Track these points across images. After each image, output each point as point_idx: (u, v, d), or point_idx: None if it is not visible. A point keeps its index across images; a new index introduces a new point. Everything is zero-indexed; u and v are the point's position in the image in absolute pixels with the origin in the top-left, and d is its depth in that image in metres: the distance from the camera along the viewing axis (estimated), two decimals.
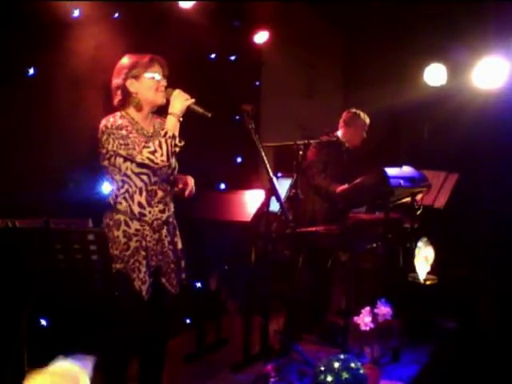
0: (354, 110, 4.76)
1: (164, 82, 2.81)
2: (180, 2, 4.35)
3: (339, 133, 4.72)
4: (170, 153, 2.66)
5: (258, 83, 5.91)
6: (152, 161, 2.65)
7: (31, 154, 3.36)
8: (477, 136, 6.06)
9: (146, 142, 2.67)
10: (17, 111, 3.32)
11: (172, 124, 2.70)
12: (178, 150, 2.69)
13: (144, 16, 4.06)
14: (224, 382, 3.78)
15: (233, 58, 5.28)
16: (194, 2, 4.39)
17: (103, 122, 2.72)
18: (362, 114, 4.74)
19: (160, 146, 2.64)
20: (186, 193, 2.94)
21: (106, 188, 2.92)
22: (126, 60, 2.80)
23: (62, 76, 3.53)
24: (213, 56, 5.01)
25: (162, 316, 2.90)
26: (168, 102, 2.79)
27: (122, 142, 2.66)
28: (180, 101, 2.73)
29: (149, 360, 2.93)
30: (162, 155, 2.64)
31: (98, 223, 2.75)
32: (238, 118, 4.49)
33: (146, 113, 2.83)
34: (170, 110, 2.73)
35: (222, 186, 5.06)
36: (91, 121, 2.81)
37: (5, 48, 3.24)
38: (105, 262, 2.38)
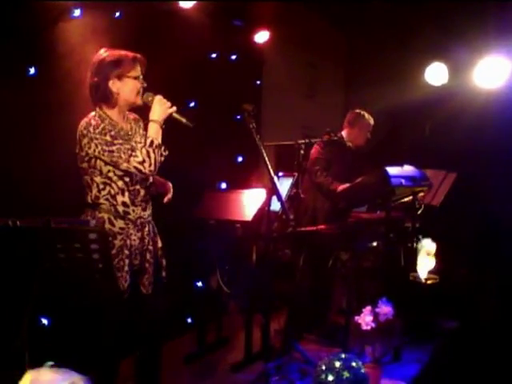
0: (358, 111, 4.76)
1: (145, 84, 2.75)
2: (180, 2, 4.35)
3: (343, 133, 4.73)
4: (157, 163, 2.63)
5: (258, 82, 5.91)
6: (140, 171, 2.62)
7: (32, 153, 3.36)
8: (478, 135, 6.05)
9: (133, 150, 2.61)
10: (17, 111, 3.32)
11: (155, 132, 2.66)
12: (163, 159, 2.66)
13: (145, 16, 4.06)
14: (225, 381, 3.78)
15: (234, 57, 5.28)
16: (194, 2, 4.39)
17: (83, 124, 2.64)
18: (367, 115, 4.75)
19: (148, 155, 2.60)
20: (165, 199, 2.91)
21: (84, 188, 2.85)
22: (107, 56, 2.69)
23: (61, 76, 3.53)
24: (214, 55, 5.01)
25: (142, 316, 2.86)
26: (146, 105, 2.73)
27: (106, 148, 2.60)
28: (162, 108, 2.68)
29: (142, 360, 2.92)
30: (150, 165, 2.61)
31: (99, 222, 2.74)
32: (239, 117, 4.49)
33: (124, 112, 2.78)
34: (152, 116, 2.68)
35: (223, 185, 5.06)
36: None
37: (6, 48, 3.24)
38: (106, 261, 2.37)
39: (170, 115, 2.70)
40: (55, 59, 3.48)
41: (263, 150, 3.16)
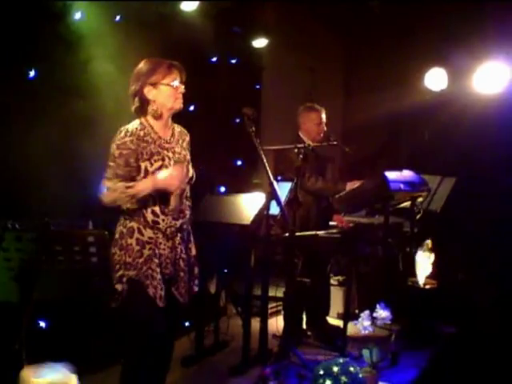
0: (303, 106, 4.65)
1: (182, 89, 2.76)
2: (182, 3, 4.35)
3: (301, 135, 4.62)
4: (114, 203, 2.63)
5: (258, 86, 5.93)
6: (101, 194, 2.63)
7: (32, 154, 3.36)
8: (477, 141, 6.06)
9: (116, 176, 2.62)
10: (18, 112, 3.32)
11: (142, 188, 2.63)
12: (126, 204, 2.65)
13: (145, 18, 4.07)
14: None
15: (234, 61, 5.29)
16: (196, 3, 4.39)
17: (120, 129, 2.70)
18: (315, 107, 4.60)
19: (114, 190, 2.61)
20: None
21: None
22: (143, 66, 2.74)
23: (58, 79, 3.54)
24: (214, 59, 5.02)
25: (172, 325, 2.85)
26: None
27: (110, 159, 2.65)
28: (165, 183, 2.65)
29: (155, 364, 2.91)
30: (107, 198, 2.62)
31: (98, 225, 2.75)
32: (238, 121, 4.49)
33: (165, 120, 2.79)
34: (155, 179, 2.65)
35: (222, 189, 5.06)
36: (94, 122, 2.80)
37: (6, 50, 3.24)
38: (104, 263, 2.37)
39: None
40: (55, 62, 3.49)
41: (262, 154, 3.16)
